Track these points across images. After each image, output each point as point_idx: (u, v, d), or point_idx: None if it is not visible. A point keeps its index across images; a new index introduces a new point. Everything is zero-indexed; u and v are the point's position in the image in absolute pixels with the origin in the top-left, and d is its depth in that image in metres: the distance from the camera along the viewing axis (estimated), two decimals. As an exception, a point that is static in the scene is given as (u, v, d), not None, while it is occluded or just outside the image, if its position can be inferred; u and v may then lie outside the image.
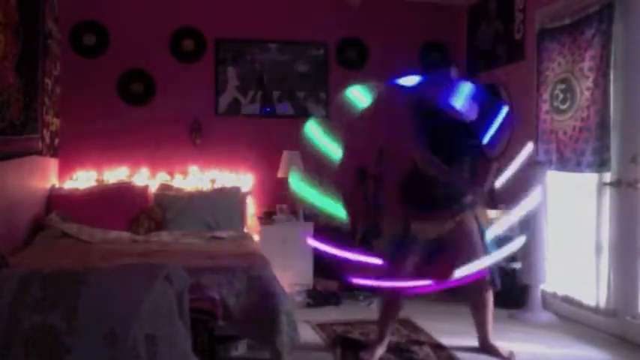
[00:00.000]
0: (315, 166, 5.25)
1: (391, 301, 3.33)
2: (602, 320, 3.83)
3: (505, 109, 3.23)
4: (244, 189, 5.10)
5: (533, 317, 4.08)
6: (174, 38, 5.16)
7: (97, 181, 4.94)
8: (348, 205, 3.28)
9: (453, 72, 3.31)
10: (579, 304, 4.04)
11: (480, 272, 3.09)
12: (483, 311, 3.35)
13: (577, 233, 4.08)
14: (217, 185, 5.11)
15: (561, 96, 4.13)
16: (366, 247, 5.08)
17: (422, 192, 3.15)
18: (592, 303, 3.93)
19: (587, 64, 3.87)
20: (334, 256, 3.31)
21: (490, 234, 3.24)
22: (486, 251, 3.14)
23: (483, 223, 3.26)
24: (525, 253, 4.18)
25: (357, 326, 3.92)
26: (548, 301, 4.28)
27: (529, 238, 4.13)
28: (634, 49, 3.67)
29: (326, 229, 5.25)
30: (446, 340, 3.59)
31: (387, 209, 3.52)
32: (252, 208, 5.22)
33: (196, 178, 5.13)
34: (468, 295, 3.40)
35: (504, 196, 4.59)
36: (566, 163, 4.06)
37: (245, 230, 4.78)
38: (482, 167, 3.28)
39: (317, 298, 4.58)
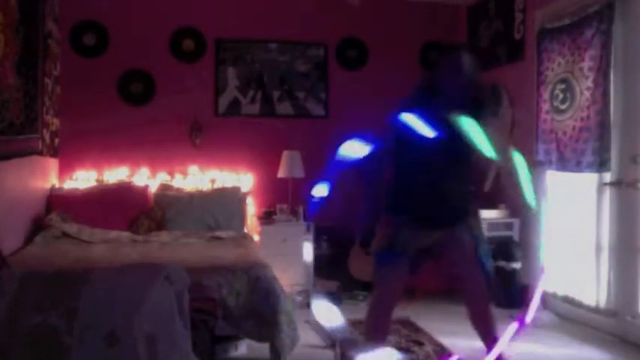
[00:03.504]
0: (315, 166, 5.22)
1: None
2: (602, 320, 3.83)
3: None
4: (244, 189, 5.10)
5: (533, 317, 4.08)
6: (174, 38, 5.15)
7: (97, 181, 4.94)
8: (348, 206, 3.11)
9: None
10: (579, 304, 4.04)
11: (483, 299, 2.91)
12: (490, 322, 3.00)
13: (577, 233, 4.08)
14: (217, 185, 5.11)
15: (561, 96, 4.13)
16: (365, 249, 5.09)
17: (410, 201, 2.83)
18: (592, 303, 3.93)
19: (587, 64, 3.87)
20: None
21: (485, 245, 2.97)
22: (481, 264, 2.88)
23: (479, 233, 2.97)
24: (525, 253, 4.19)
25: (357, 326, 3.91)
26: (548, 301, 4.28)
27: (528, 238, 4.15)
28: (634, 49, 3.68)
29: (326, 229, 5.27)
30: (446, 340, 3.59)
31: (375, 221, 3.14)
32: (252, 208, 5.21)
33: (196, 178, 5.13)
34: (469, 313, 3.03)
35: (503, 197, 4.62)
36: (566, 163, 4.06)
37: (245, 230, 4.77)
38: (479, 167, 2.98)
39: (317, 298, 4.58)
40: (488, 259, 2.94)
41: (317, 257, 5.07)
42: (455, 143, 2.70)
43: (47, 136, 4.49)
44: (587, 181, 3.96)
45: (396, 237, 2.82)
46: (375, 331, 2.94)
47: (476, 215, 3.02)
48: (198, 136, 5.17)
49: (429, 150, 2.72)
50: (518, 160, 2.77)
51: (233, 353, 3.38)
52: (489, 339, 2.95)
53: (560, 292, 4.22)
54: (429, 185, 2.78)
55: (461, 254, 2.86)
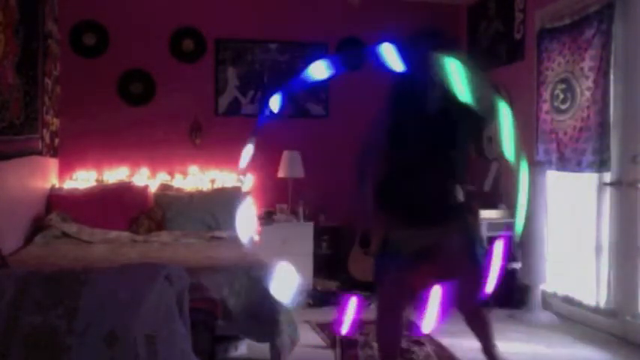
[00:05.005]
0: (315, 166, 5.21)
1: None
2: (602, 320, 3.83)
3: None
4: (244, 189, 5.10)
5: (533, 317, 4.08)
6: (174, 38, 5.15)
7: (97, 181, 4.94)
8: (349, 205, 3.02)
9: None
10: (579, 304, 4.04)
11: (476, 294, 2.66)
12: (484, 328, 2.89)
13: (577, 233, 4.08)
14: (217, 185, 5.11)
15: (561, 96, 4.13)
16: (365, 248, 5.09)
17: (399, 197, 2.72)
18: (592, 303, 3.93)
19: (587, 64, 3.87)
20: None
21: (481, 247, 2.83)
22: (475, 266, 2.70)
23: (475, 234, 2.87)
24: (525, 253, 4.19)
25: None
26: (548, 301, 4.28)
27: (528, 238, 4.14)
28: (634, 49, 3.67)
29: (326, 229, 5.27)
30: (446, 341, 3.59)
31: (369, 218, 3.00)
32: (252, 208, 5.21)
33: (196, 178, 5.13)
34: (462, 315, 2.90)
35: (503, 197, 4.62)
36: (566, 163, 4.06)
37: (245, 230, 4.77)
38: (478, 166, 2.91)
39: (317, 298, 4.58)
40: (482, 260, 2.73)
41: (317, 257, 5.07)
42: (436, 137, 2.61)
43: (47, 136, 4.49)
44: (587, 181, 3.95)
45: (389, 238, 2.75)
46: (385, 334, 2.87)
47: (475, 215, 2.94)
48: (198, 136, 5.17)
49: (411, 144, 2.65)
50: (504, 111, 2.31)
51: (233, 353, 3.38)
52: (484, 342, 2.88)
53: (560, 292, 4.22)
54: (413, 183, 2.70)
55: (451, 255, 2.73)
